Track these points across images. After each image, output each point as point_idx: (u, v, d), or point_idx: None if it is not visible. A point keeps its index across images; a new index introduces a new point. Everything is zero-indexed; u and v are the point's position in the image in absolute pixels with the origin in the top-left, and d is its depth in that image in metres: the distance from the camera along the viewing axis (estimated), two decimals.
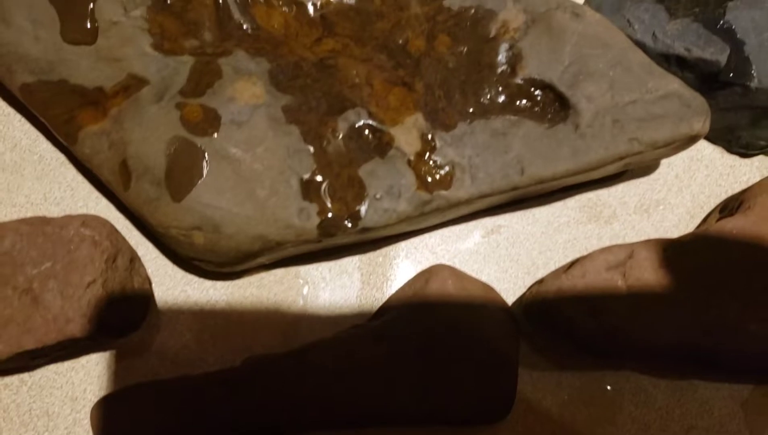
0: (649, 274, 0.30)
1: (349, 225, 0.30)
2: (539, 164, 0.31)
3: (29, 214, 0.33)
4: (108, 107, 0.30)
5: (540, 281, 0.33)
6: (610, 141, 0.31)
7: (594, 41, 0.32)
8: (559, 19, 0.32)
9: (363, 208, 0.30)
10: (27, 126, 0.35)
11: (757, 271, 0.30)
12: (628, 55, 0.32)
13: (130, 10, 0.31)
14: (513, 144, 0.31)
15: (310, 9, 0.33)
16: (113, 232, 0.30)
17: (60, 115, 0.30)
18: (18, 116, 0.35)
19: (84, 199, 0.34)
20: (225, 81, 0.31)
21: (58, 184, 0.34)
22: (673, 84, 0.31)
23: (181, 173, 0.29)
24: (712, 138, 0.36)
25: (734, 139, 0.36)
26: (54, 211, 0.34)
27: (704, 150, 0.36)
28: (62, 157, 0.34)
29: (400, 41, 0.33)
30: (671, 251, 0.31)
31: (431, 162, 0.31)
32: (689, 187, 0.36)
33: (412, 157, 0.31)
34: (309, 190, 0.30)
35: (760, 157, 0.36)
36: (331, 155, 0.30)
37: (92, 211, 0.34)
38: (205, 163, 0.29)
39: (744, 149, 0.36)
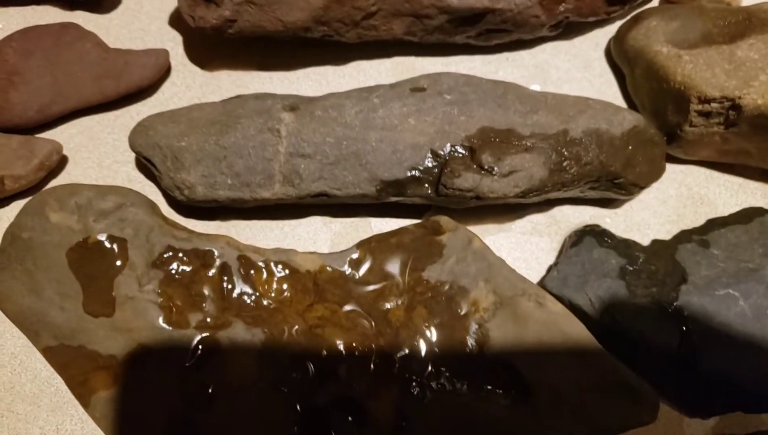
0: None
1: None
2: None
3: None
4: (119, 373, 0.34)
5: None
6: (565, 429, 0.34)
7: (555, 330, 0.35)
8: (524, 305, 0.36)
9: None
10: None
11: None
12: (585, 346, 0.35)
13: (144, 285, 0.35)
14: (477, 423, 0.34)
15: (305, 276, 0.38)
16: None
17: (76, 376, 0.34)
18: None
19: (92, 432, 0.37)
20: (223, 354, 0.35)
21: (71, 417, 0.38)
22: (625, 375, 0.34)
23: None
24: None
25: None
26: None
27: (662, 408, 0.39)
28: None
29: (383, 309, 0.37)
30: None
31: None
32: None
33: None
34: None
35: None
36: (313, 427, 0.34)
37: None
38: None
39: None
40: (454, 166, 0.38)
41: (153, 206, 0.37)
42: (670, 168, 0.44)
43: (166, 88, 0.45)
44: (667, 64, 0.42)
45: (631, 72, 0.45)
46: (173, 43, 0.46)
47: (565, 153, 0.39)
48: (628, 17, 0.47)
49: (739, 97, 0.38)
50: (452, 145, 0.39)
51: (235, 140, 0.39)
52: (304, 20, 0.40)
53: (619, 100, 0.46)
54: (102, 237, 0.35)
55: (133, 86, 0.43)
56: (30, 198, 0.36)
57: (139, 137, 0.40)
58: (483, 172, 0.38)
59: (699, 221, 0.43)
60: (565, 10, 0.44)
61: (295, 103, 0.40)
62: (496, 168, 0.38)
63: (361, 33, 0.42)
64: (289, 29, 0.41)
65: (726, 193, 0.44)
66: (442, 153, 0.39)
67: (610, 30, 0.48)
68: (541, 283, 0.40)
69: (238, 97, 0.42)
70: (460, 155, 0.39)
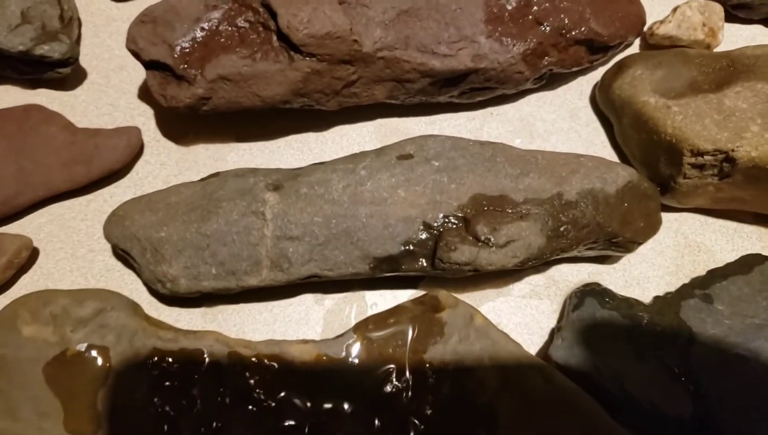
0: None
1: None
2: None
3: None
4: None
5: None
6: None
7: (564, 407, 0.34)
8: (531, 383, 0.34)
9: None
10: None
11: None
12: (596, 421, 0.34)
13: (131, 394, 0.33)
14: None
15: (300, 368, 0.36)
16: None
17: None
18: None
19: None
20: None
21: None
22: None
23: None
24: None
25: None
26: None
27: None
28: None
29: (385, 397, 0.35)
30: None
31: None
32: None
33: None
34: None
35: None
36: None
37: None
38: None
39: None
40: (449, 239, 0.37)
41: (135, 307, 0.35)
42: (665, 217, 0.43)
43: (139, 166, 0.43)
44: (656, 116, 0.41)
45: (619, 121, 0.44)
46: (144, 118, 0.44)
47: (562, 218, 0.38)
48: (611, 63, 0.46)
49: (733, 150, 0.38)
50: (445, 216, 0.38)
51: (218, 227, 0.37)
52: (282, 94, 0.39)
53: (608, 149, 0.45)
54: (82, 347, 0.33)
55: (105, 170, 0.40)
56: None
57: (114, 228, 0.38)
58: (479, 244, 0.36)
59: (698, 270, 0.42)
60: (548, 63, 0.43)
61: (278, 181, 0.38)
62: (492, 239, 0.36)
63: (342, 101, 0.41)
64: (267, 103, 0.39)
65: (722, 239, 0.43)
66: (435, 225, 0.37)
67: (594, 76, 0.47)
68: (546, 352, 0.38)
69: (217, 175, 0.40)
70: (454, 226, 0.37)
